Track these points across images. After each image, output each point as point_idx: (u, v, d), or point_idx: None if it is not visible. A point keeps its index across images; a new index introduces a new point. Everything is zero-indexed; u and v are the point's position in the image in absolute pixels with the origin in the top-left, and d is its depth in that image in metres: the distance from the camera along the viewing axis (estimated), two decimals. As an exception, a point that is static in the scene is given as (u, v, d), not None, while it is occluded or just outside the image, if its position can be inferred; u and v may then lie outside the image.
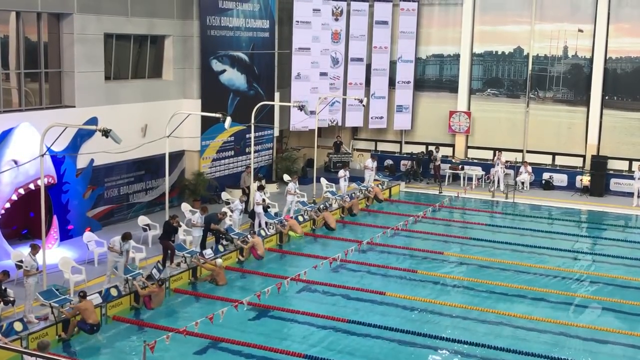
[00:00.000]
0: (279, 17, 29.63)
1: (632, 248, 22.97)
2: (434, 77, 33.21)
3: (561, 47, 30.99)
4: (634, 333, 16.36)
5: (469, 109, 32.23)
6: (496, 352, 15.27)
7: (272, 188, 27.88)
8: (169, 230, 19.20)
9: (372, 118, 33.03)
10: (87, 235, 19.55)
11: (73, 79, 21.05)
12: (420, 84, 33.15)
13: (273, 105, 28.46)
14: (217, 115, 21.21)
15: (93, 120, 20.47)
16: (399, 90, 32.82)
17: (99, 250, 19.23)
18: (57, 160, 19.95)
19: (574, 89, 31.05)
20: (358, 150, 34.29)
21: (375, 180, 29.59)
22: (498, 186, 29.86)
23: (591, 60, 30.32)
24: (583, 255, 22.66)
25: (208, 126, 25.31)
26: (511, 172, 30.52)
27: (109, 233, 20.12)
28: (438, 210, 27.04)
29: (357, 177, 29.41)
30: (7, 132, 18.70)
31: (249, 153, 25.44)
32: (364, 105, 30.63)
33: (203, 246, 20.41)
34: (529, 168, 30.52)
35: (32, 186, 18.81)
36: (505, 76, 32.11)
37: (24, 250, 16.87)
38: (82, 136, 20.70)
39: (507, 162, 30.35)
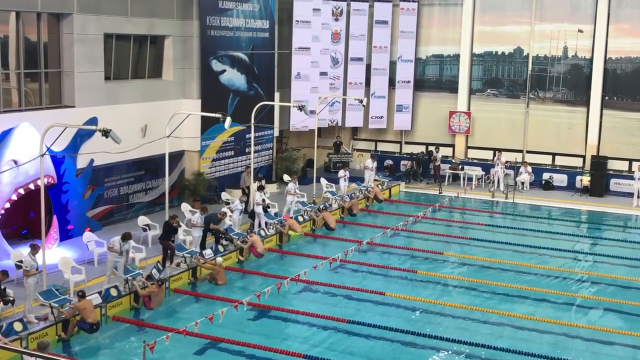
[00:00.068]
0: (279, 17, 29.61)
1: (633, 248, 22.95)
2: (434, 78, 33.19)
3: (561, 48, 30.98)
4: (636, 334, 16.33)
5: (469, 109, 32.22)
6: (498, 353, 15.24)
7: (272, 188, 27.86)
8: (169, 231, 19.18)
9: (372, 118, 33.02)
10: (87, 236, 19.53)
11: (73, 79, 21.03)
12: (420, 84, 33.13)
13: (273, 106, 28.44)
14: (217, 115, 21.21)
15: (93, 121, 20.46)
16: (399, 90, 32.81)
17: (99, 250, 19.21)
18: (57, 160, 19.93)
19: (574, 89, 31.04)
20: (358, 150, 34.28)
21: (375, 180, 29.57)
22: (498, 186, 29.85)
23: (591, 60, 30.31)
24: (584, 255, 22.65)
25: (208, 126, 25.29)
26: (511, 172, 30.51)
27: (109, 233, 20.10)
28: (438, 210, 27.03)
29: (357, 177, 29.39)
30: (7, 132, 18.68)
31: (249, 153, 25.42)
32: (363, 106, 30.63)
33: (203, 246, 20.39)
34: (529, 168, 30.51)
35: (32, 186, 18.79)
36: (505, 76, 32.10)
37: (24, 250, 16.85)
38: (82, 136, 20.69)
39: (507, 162, 30.34)
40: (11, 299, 15.34)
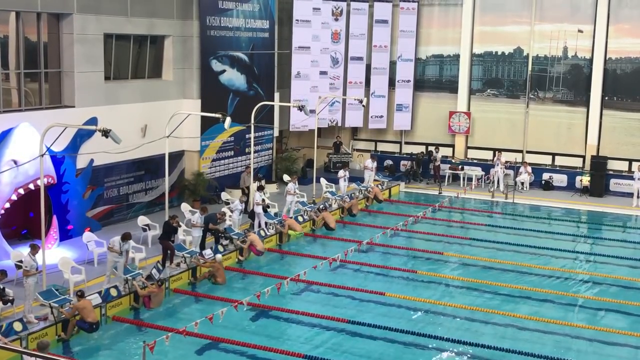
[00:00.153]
0: (279, 17, 29.59)
1: (634, 249, 22.95)
2: (433, 78, 33.18)
3: (561, 48, 30.97)
4: (638, 334, 16.30)
5: (468, 109, 32.20)
6: (500, 354, 15.20)
7: (271, 188, 27.84)
8: (169, 231, 19.15)
9: (372, 117, 33.00)
10: (87, 236, 19.50)
11: (73, 79, 21.00)
12: (420, 84, 33.12)
13: (273, 106, 28.42)
14: (217, 115, 21.20)
15: (93, 121, 20.43)
16: (399, 90, 32.79)
17: (99, 250, 19.18)
18: (57, 160, 19.90)
19: (574, 89, 31.03)
20: (358, 150, 34.26)
21: (375, 180, 29.55)
22: (498, 186, 29.83)
23: (591, 60, 30.30)
24: (585, 256, 22.63)
25: (208, 126, 25.26)
26: (511, 172, 30.50)
27: (109, 233, 20.07)
28: (438, 210, 27.00)
29: (356, 178, 29.36)
30: (7, 132, 18.65)
31: (249, 153, 25.39)
32: (363, 106, 30.61)
33: (203, 246, 20.36)
34: (529, 168, 30.50)
35: (31, 186, 18.77)
36: (505, 76, 32.08)
37: (24, 250, 16.82)
38: (81, 136, 20.66)
39: (506, 162, 30.33)
40: (10, 298, 15.30)
